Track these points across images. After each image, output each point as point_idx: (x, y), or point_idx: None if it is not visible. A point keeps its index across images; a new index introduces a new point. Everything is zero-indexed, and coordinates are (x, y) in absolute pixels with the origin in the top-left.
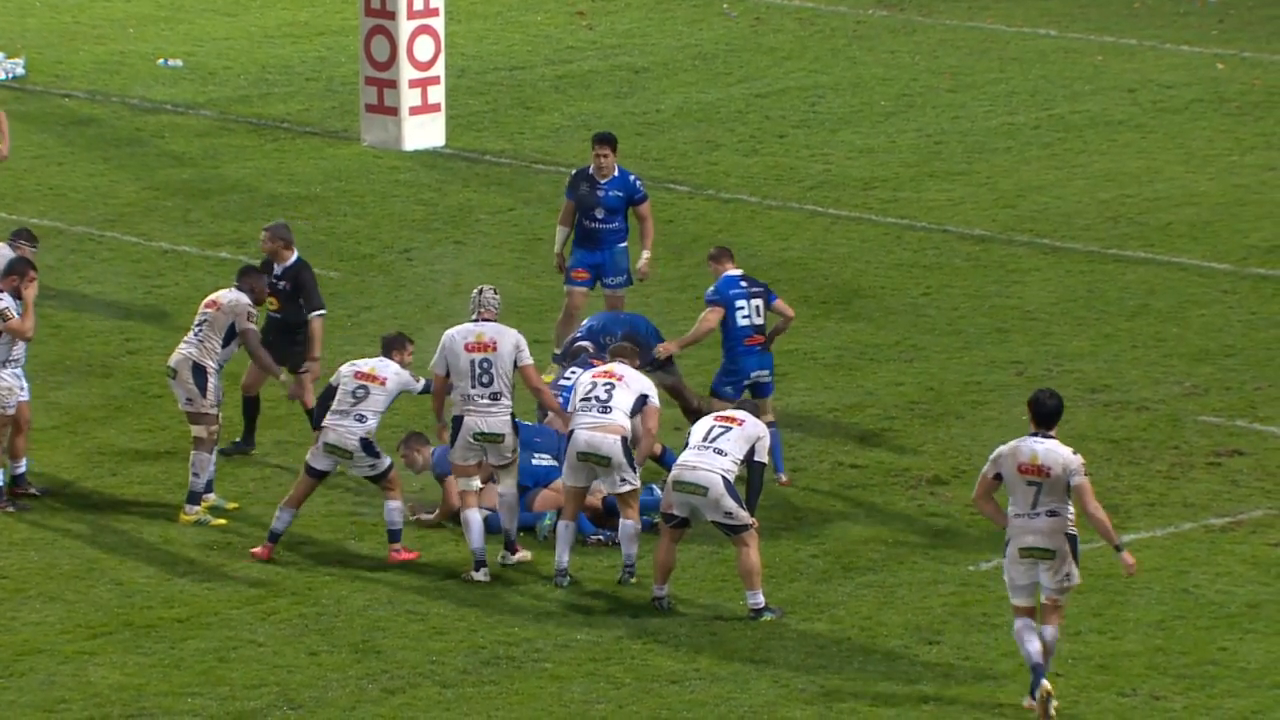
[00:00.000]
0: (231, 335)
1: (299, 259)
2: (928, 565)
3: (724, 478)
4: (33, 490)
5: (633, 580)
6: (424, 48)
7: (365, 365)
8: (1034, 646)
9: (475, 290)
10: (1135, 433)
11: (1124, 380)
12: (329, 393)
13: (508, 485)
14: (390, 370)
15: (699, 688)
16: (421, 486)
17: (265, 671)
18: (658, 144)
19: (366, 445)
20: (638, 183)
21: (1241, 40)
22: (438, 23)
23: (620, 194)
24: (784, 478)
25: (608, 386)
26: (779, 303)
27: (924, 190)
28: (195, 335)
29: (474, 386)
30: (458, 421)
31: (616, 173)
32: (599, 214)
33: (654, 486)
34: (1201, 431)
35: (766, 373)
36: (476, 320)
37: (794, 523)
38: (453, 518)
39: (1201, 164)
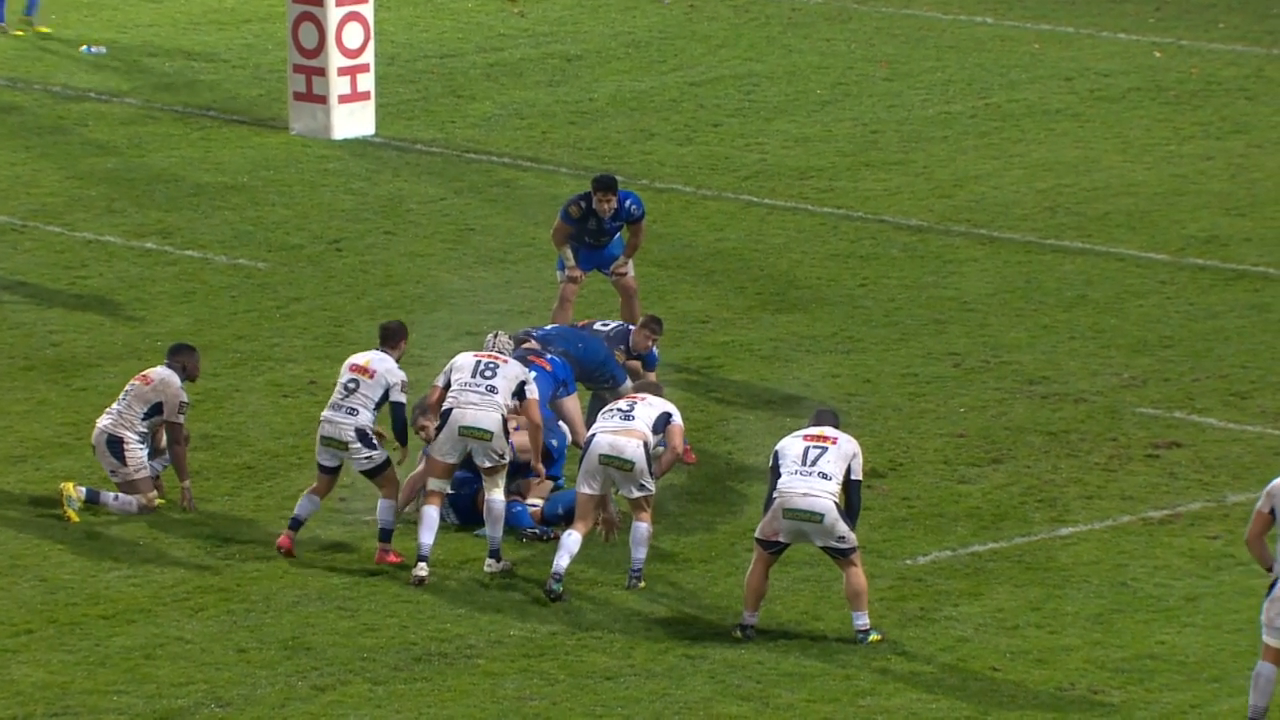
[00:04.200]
0: (155, 411)
1: None
2: (865, 560)
3: (835, 503)
4: None
5: (640, 585)
6: (353, 35)
7: (361, 358)
8: (1265, 700)
9: (491, 334)
10: (1073, 424)
11: (1062, 371)
12: None
13: (496, 494)
14: (383, 365)
15: (633, 684)
16: (351, 481)
17: (193, 669)
18: (591, 133)
19: (363, 436)
20: (634, 207)
21: (1179, 28)
22: (367, 10)
23: (621, 222)
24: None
25: (630, 403)
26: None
27: (860, 180)
28: (117, 405)
29: (473, 376)
30: (446, 414)
31: (617, 205)
32: (604, 238)
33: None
34: (1139, 423)
35: None
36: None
37: (729, 516)
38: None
39: (1139, 153)
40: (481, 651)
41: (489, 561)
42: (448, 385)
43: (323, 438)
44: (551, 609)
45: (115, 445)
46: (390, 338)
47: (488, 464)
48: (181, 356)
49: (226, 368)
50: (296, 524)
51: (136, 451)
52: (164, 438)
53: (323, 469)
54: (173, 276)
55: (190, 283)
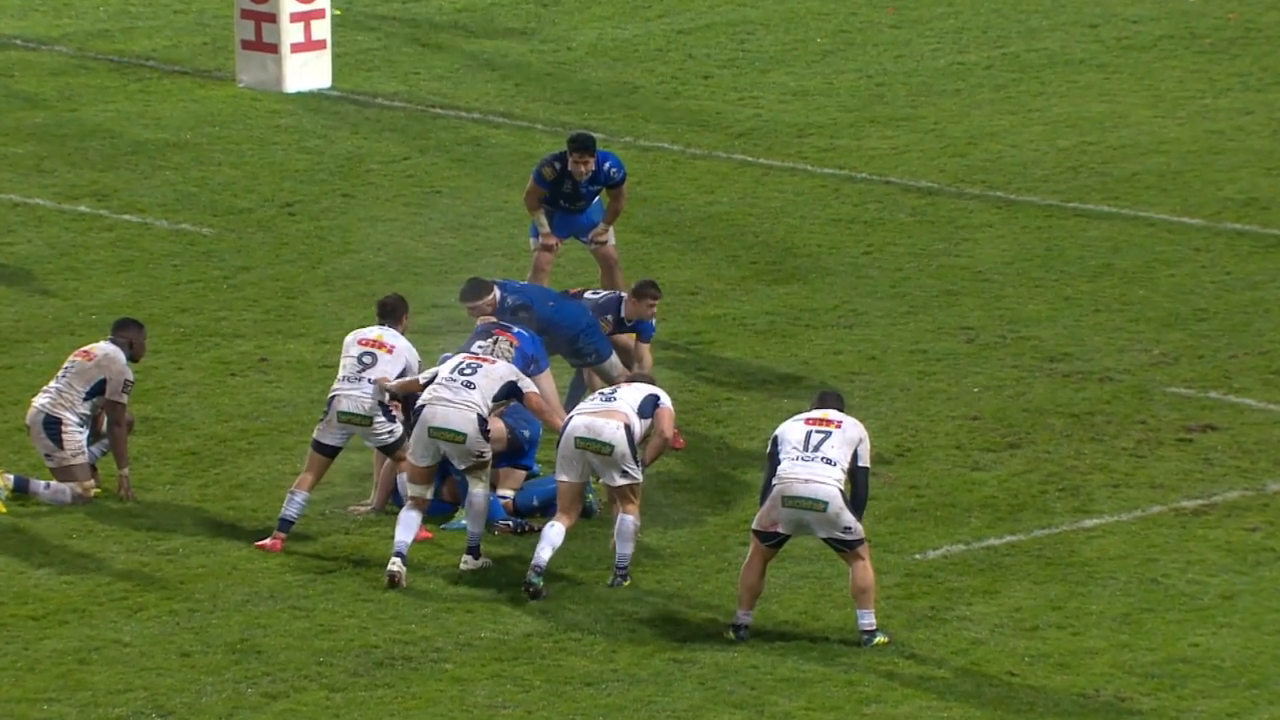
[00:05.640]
0: (98, 390)
1: None
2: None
3: (839, 490)
4: None
5: (625, 584)
6: None
7: (371, 333)
8: None
9: (491, 340)
10: (1098, 406)
11: (1086, 348)
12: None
13: (479, 489)
14: (401, 341)
15: (616, 690)
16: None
17: (131, 675)
18: (569, 85)
19: (384, 409)
20: (613, 171)
21: None
22: None
23: (600, 186)
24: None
25: (614, 387)
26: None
27: (864, 138)
28: (55, 383)
29: (451, 373)
30: (417, 412)
31: (595, 166)
32: (580, 202)
33: (552, 477)
34: (1171, 404)
35: None
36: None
37: (721, 507)
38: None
39: (1171, 107)
40: (449, 655)
41: (466, 558)
42: (429, 382)
43: (341, 413)
44: (526, 609)
45: (53, 426)
46: (392, 313)
47: (464, 465)
48: (128, 332)
49: (168, 344)
50: (286, 525)
51: (75, 435)
52: (104, 421)
53: (322, 449)
54: (109, 243)
55: (128, 250)
